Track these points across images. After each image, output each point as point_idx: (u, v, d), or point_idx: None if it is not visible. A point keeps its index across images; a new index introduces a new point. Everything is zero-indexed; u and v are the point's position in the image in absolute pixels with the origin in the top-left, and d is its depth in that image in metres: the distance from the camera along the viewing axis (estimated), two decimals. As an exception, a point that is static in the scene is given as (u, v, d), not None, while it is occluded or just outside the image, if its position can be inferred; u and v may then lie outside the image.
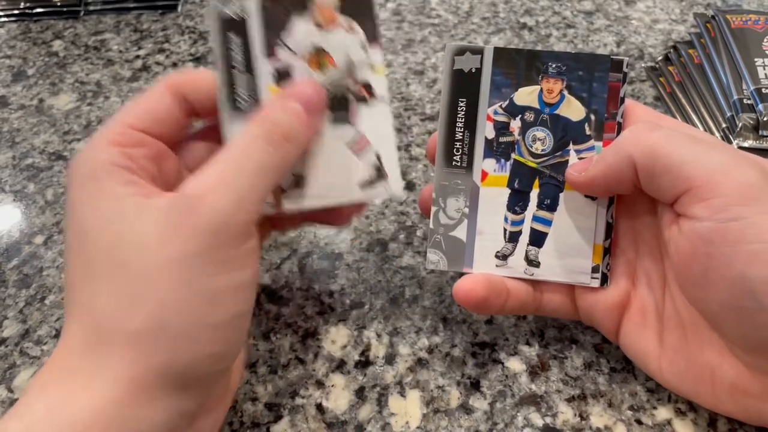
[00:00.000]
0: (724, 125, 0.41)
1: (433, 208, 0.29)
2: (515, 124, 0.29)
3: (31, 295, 0.35)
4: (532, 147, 0.29)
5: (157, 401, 0.22)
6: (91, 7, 0.57)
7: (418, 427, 0.29)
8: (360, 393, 0.30)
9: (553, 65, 0.28)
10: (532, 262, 0.29)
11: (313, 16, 0.28)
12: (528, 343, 0.32)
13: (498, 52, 0.29)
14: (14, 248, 0.37)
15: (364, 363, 0.31)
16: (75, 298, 0.23)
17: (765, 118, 0.39)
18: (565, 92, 0.29)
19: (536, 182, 0.29)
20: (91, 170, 0.24)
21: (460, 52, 0.29)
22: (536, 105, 0.29)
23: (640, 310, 0.28)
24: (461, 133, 0.29)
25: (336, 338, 0.32)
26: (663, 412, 0.29)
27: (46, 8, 0.56)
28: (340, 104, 0.28)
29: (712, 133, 0.41)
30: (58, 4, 0.56)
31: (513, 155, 0.29)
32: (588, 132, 0.28)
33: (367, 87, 0.28)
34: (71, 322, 0.23)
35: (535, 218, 0.29)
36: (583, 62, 0.28)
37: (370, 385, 0.30)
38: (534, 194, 0.29)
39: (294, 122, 0.26)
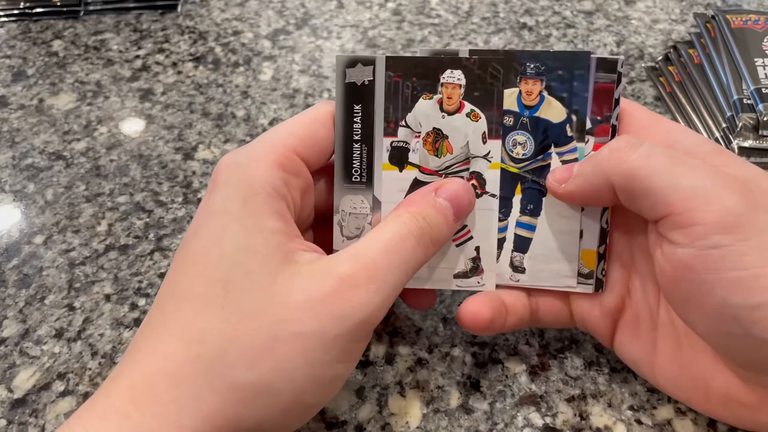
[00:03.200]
0: (724, 125, 0.41)
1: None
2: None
3: (30, 295, 0.35)
4: (512, 152, 0.28)
5: None
6: (91, 7, 0.57)
7: (418, 427, 0.29)
8: (360, 393, 0.30)
9: (531, 65, 0.27)
10: (517, 269, 0.29)
11: (439, 99, 0.28)
12: (528, 343, 0.32)
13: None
14: (14, 248, 0.37)
15: (364, 363, 0.31)
16: (184, 318, 0.23)
17: (765, 118, 0.39)
18: (545, 93, 0.28)
19: (518, 188, 0.28)
20: (249, 184, 0.24)
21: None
22: (515, 108, 0.28)
23: (634, 316, 0.28)
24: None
25: (336, 338, 0.32)
26: (663, 412, 0.29)
27: (46, 8, 0.56)
28: None
29: (712, 133, 0.41)
30: (58, 4, 0.56)
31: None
32: (570, 133, 0.28)
33: (480, 179, 0.28)
34: (171, 340, 0.22)
35: (519, 224, 0.28)
36: (562, 60, 0.27)
37: (370, 385, 0.30)
38: (516, 200, 0.28)
39: (443, 225, 0.26)
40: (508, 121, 0.28)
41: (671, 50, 0.49)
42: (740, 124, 0.39)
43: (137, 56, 0.52)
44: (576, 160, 0.28)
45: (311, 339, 0.22)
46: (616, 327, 0.28)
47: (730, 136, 0.40)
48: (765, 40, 0.44)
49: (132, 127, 0.45)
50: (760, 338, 0.22)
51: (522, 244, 0.29)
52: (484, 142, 0.28)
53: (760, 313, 0.21)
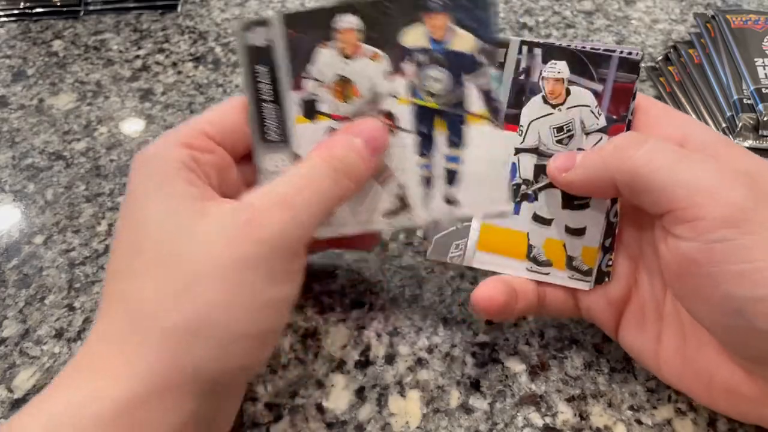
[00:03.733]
0: (724, 125, 0.41)
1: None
2: (408, 68, 0.28)
3: (30, 295, 0.35)
4: (428, 87, 0.28)
5: (179, 405, 0.22)
6: (91, 7, 0.57)
7: (418, 427, 0.29)
8: (360, 393, 0.30)
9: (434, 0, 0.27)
10: (450, 202, 0.29)
11: (337, 46, 0.28)
12: (528, 343, 0.32)
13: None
14: (14, 248, 0.37)
15: (364, 363, 0.31)
16: (116, 286, 0.23)
17: (765, 118, 0.39)
18: (452, 25, 0.27)
19: (439, 122, 0.28)
20: (159, 165, 0.25)
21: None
22: (426, 44, 0.28)
23: (640, 308, 0.28)
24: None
25: (336, 338, 0.32)
26: (663, 412, 0.29)
27: (46, 8, 0.56)
28: None
29: (712, 133, 0.41)
30: (58, 3, 0.56)
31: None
32: (480, 60, 0.28)
33: (391, 117, 0.28)
34: (108, 308, 0.23)
35: (446, 158, 0.28)
36: None
37: (370, 385, 0.30)
38: (439, 134, 0.28)
39: (358, 161, 0.26)
40: (421, 58, 0.28)
41: (671, 50, 0.49)
42: (740, 124, 0.39)
43: (137, 56, 0.52)
44: (490, 90, 0.28)
45: (229, 268, 0.22)
46: (621, 318, 0.29)
47: (730, 136, 0.40)
48: (765, 40, 0.44)
49: (132, 127, 0.45)
50: (765, 330, 0.22)
51: (451, 177, 0.29)
52: (389, 80, 0.28)
53: (764, 306, 0.21)
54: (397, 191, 0.29)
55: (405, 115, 0.28)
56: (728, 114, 0.41)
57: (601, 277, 0.29)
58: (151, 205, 0.24)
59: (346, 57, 0.28)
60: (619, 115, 0.28)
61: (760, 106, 0.39)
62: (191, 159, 0.25)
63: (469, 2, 0.27)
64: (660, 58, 0.49)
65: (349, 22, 0.28)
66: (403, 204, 0.29)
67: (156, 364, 0.21)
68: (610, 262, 0.29)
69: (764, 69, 0.41)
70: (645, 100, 0.28)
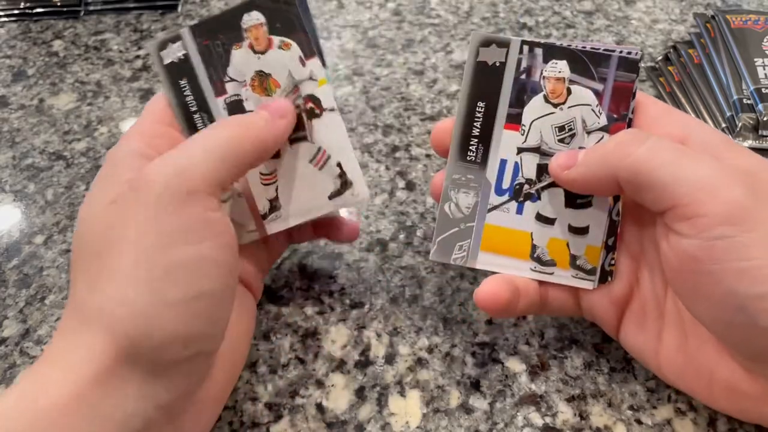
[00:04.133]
0: (723, 125, 0.41)
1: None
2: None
3: (31, 295, 0.35)
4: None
5: (128, 387, 0.22)
6: (91, 7, 0.57)
7: (418, 427, 0.29)
8: (360, 393, 0.30)
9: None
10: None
11: (248, 44, 0.29)
12: (528, 343, 0.32)
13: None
14: (14, 248, 0.37)
15: (364, 363, 0.31)
16: (71, 282, 0.24)
17: (765, 118, 0.39)
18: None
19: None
20: (112, 158, 0.26)
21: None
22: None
23: (641, 306, 0.28)
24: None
25: (336, 338, 0.32)
26: (663, 412, 0.29)
27: (46, 8, 0.56)
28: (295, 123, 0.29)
29: (712, 133, 0.41)
30: (58, 4, 0.56)
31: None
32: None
33: (315, 100, 0.29)
34: (66, 306, 0.24)
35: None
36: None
37: (370, 385, 0.30)
38: None
39: (261, 123, 0.27)
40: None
41: (671, 50, 0.49)
42: (740, 124, 0.39)
43: (137, 56, 0.52)
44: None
45: (134, 241, 0.23)
46: (622, 317, 0.29)
47: (730, 136, 0.40)
48: (765, 40, 0.44)
49: (132, 127, 0.45)
50: (766, 328, 0.22)
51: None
52: (304, 65, 0.29)
53: (765, 303, 0.21)
54: (336, 171, 0.29)
55: (328, 95, 0.29)
56: (728, 114, 0.41)
57: (605, 276, 0.29)
58: (91, 198, 0.25)
59: (259, 52, 0.29)
60: (620, 114, 0.28)
61: (760, 106, 0.39)
62: (147, 146, 0.26)
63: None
64: (660, 58, 0.49)
65: (255, 18, 0.29)
66: (344, 182, 0.29)
67: (96, 348, 0.22)
68: (613, 261, 0.29)
69: (764, 69, 0.41)
70: (645, 99, 0.28)
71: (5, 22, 0.56)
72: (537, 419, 0.29)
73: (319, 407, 0.29)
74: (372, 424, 0.29)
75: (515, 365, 0.31)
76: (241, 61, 0.29)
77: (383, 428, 0.29)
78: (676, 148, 0.24)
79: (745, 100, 0.40)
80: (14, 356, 0.32)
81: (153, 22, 0.55)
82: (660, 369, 0.27)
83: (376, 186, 0.41)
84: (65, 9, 0.56)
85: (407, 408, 0.29)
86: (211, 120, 0.29)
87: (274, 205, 0.30)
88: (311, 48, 0.29)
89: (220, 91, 0.29)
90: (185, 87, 0.29)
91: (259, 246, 0.31)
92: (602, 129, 0.28)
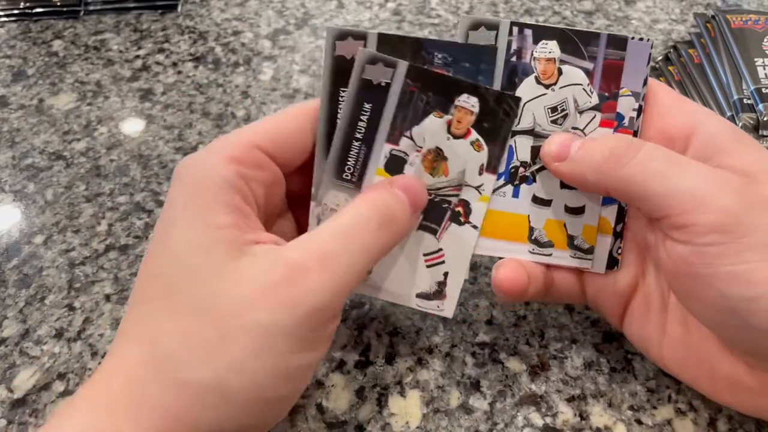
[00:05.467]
0: (724, 125, 0.41)
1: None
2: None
3: (30, 295, 0.35)
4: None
5: None
6: (91, 7, 0.57)
7: (418, 427, 0.29)
8: (360, 393, 0.30)
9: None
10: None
11: (448, 119, 0.27)
12: (528, 343, 0.32)
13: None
14: (14, 248, 0.37)
15: (364, 363, 0.31)
16: (142, 321, 0.22)
17: (765, 118, 0.39)
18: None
19: None
20: (201, 180, 0.23)
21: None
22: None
23: (645, 298, 0.28)
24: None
25: (336, 338, 0.32)
26: (663, 412, 0.29)
27: (46, 8, 0.56)
28: (434, 213, 0.28)
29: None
30: (58, 3, 0.56)
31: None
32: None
33: (467, 209, 0.28)
34: (130, 343, 0.22)
35: None
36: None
37: (370, 385, 0.30)
38: None
39: (401, 212, 0.25)
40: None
41: (671, 50, 0.49)
42: (740, 124, 0.39)
43: (137, 56, 0.52)
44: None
45: (261, 331, 0.21)
46: (626, 307, 0.29)
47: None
48: (765, 40, 0.43)
49: (132, 127, 0.45)
50: (759, 328, 0.22)
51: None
52: (480, 174, 0.28)
53: (757, 305, 0.22)
54: (440, 278, 0.28)
55: (480, 214, 0.28)
56: (728, 114, 0.41)
57: (612, 262, 0.29)
58: (188, 234, 0.23)
59: (452, 134, 0.28)
60: (611, 92, 0.28)
61: (760, 106, 0.39)
62: (238, 176, 0.24)
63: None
64: (660, 58, 0.49)
65: (471, 104, 0.27)
66: (439, 291, 0.28)
67: (174, 412, 0.21)
68: (620, 249, 0.29)
69: (764, 69, 0.41)
70: (657, 87, 0.28)
71: (5, 22, 0.56)
72: (537, 419, 0.29)
73: (319, 407, 0.29)
74: (372, 425, 0.29)
75: (515, 365, 0.31)
76: (432, 129, 0.27)
77: (383, 428, 0.29)
78: (666, 158, 0.24)
79: (745, 100, 0.40)
80: (14, 356, 0.32)
81: (153, 22, 0.55)
82: (662, 360, 0.28)
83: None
84: (65, 9, 0.56)
85: (407, 408, 0.29)
86: (366, 159, 0.27)
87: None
88: (497, 164, 0.28)
89: (393, 138, 0.27)
90: (366, 111, 0.27)
91: None
92: (594, 108, 0.28)
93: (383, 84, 0.27)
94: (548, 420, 0.29)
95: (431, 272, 0.28)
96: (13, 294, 0.35)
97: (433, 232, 0.28)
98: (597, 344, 0.32)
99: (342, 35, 0.27)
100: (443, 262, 0.28)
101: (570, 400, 0.30)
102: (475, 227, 0.28)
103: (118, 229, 0.38)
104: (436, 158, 0.28)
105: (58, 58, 0.52)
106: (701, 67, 0.45)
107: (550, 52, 0.28)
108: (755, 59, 0.42)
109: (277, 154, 0.26)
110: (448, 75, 0.27)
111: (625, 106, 0.28)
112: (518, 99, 0.28)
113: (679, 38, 0.52)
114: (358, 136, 0.27)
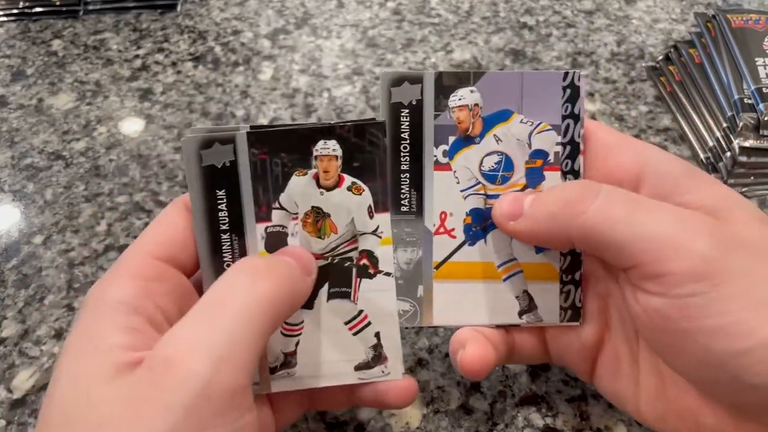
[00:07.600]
0: (724, 125, 0.41)
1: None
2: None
3: (30, 295, 0.35)
4: None
5: None
6: (91, 7, 0.57)
7: (418, 428, 0.29)
8: (360, 393, 0.30)
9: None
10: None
11: (314, 174, 0.25)
12: (528, 344, 0.32)
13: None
14: (13, 248, 0.37)
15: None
16: None
17: (766, 118, 0.39)
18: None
19: None
20: (96, 306, 0.22)
21: (207, 144, 0.24)
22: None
23: (614, 350, 0.26)
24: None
25: (336, 338, 0.32)
26: (664, 413, 0.29)
27: (46, 8, 0.56)
28: (339, 276, 0.25)
29: (713, 132, 0.41)
30: (58, 3, 0.56)
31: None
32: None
33: (372, 259, 0.26)
34: None
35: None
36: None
37: (370, 385, 0.30)
38: None
39: (283, 261, 0.23)
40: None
41: (672, 50, 0.49)
42: (741, 124, 0.39)
43: (137, 56, 0.52)
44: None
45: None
46: (595, 363, 0.27)
47: (731, 136, 0.40)
48: (766, 39, 0.43)
49: (131, 126, 0.45)
50: (750, 384, 0.20)
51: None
52: (371, 217, 0.25)
53: (746, 360, 0.20)
54: (372, 341, 0.26)
55: (388, 258, 0.26)
56: (729, 113, 0.41)
57: (576, 314, 0.26)
58: (71, 363, 0.21)
59: (324, 188, 0.25)
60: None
61: (761, 106, 0.39)
62: (140, 293, 0.22)
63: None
64: (660, 57, 0.49)
65: (331, 148, 0.25)
66: (377, 355, 0.26)
67: None
68: (580, 300, 0.26)
69: (765, 68, 0.41)
70: (596, 127, 0.26)
71: (4, 21, 0.56)
72: (537, 420, 0.29)
73: (319, 408, 0.29)
74: (372, 425, 0.29)
75: (515, 365, 0.31)
76: (300, 190, 0.25)
77: (383, 429, 0.29)
78: (629, 201, 0.23)
79: (746, 100, 0.40)
80: (13, 356, 0.32)
81: (152, 22, 0.55)
82: (641, 415, 0.25)
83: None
84: (64, 8, 0.56)
85: (407, 409, 0.29)
86: (241, 246, 0.25)
87: (288, 361, 0.25)
88: (385, 199, 0.25)
89: (263, 216, 0.25)
90: (222, 200, 0.24)
91: (262, 405, 0.25)
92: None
93: (228, 164, 0.24)
94: (549, 420, 0.29)
95: (360, 339, 0.26)
96: (12, 294, 0.35)
97: (346, 296, 0.26)
98: (597, 344, 0.32)
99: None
100: (369, 323, 0.26)
101: (570, 400, 0.30)
102: (388, 274, 0.26)
103: (117, 229, 0.38)
104: (318, 218, 0.25)
105: (58, 57, 0.52)
106: (702, 67, 0.45)
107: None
108: (756, 59, 0.42)
109: (175, 256, 0.24)
110: (293, 127, 0.25)
111: (548, 142, 0.26)
112: (381, 122, 0.25)
113: (680, 38, 0.52)
114: (223, 227, 0.25)
